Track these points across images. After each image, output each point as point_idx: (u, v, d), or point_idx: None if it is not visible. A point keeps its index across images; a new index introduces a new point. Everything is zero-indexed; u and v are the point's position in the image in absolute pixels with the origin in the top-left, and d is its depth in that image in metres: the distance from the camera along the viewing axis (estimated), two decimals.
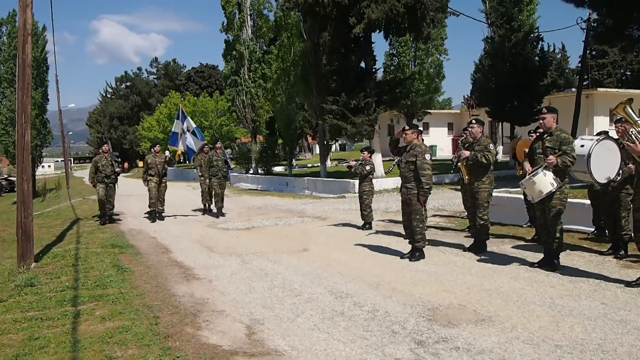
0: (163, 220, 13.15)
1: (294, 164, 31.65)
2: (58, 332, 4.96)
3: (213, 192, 14.02)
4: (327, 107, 20.52)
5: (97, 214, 13.66)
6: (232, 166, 14.47)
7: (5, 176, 37.66)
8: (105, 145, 13.25)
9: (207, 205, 14.62)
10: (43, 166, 56.51)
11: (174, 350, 4.36)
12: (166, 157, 13.40)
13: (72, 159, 72.04)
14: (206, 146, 14.32)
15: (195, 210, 15.15)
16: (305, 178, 21.85)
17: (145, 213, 14.02)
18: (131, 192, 21.21)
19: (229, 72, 32.72)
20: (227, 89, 34.02)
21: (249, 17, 32.03)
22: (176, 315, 5.34)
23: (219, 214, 13.70)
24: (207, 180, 14.19)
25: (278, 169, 32.35)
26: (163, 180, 13.41)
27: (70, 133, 71.19)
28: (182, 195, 20.83)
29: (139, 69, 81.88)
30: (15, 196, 29.27)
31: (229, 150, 14.80)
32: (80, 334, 4.88)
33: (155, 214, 13.20)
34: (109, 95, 78.04)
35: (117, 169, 12.88)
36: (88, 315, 5.44)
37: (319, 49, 21.53)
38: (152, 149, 13.88)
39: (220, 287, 6.47)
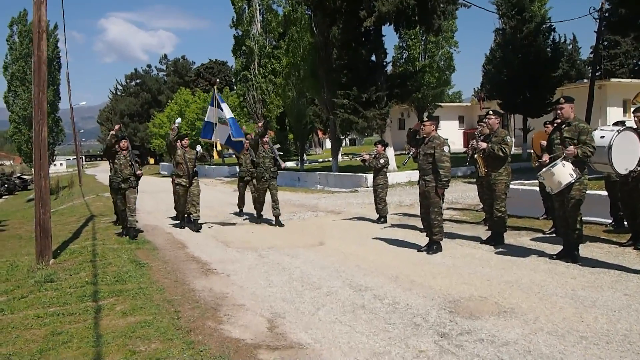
0: (200, 229, 10.62)
1: (305, 159, 31.65)
2: (80, 327, 4.99)
3: (255, 197, 11.65)
4: (338, 101, 20.46)
5: (115, 221, 12.02)
6: (283, 165, 11.60)
7: (19, 174, 37.91)
8: (124, 141, 10.15)
9: (241, 208, 12.93)
10: (55, 164, 56.87)
11: (197, 344, 4.37)
12: (197, 152, 10.94)
13: (83, 157, 72.43)
14: (246, 141, 11.73)
15: (235, 214, 13.02)
16: (317, 173, 21.82)
17: (171, 219, 12.40)
18: (143, 189, 21.27)
19: (239, 67, 32.73)
20: (238, 85, 34.02)
21: (258, 12, 32.02)
22: (197, 310, 5.36)
23: (278, 223, 10.96)
24: (248, 184, 12.39)
25: (289, 164, 32.34)
26: (194, 181, 10.85)
27: (82, 131, 71.64)
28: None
29: (149, 66, 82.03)
30: (28, 194, 29.47)
31: (278, 146, 11.44)
32: (102, 328, 4.91)
33: (183, 218, 11.26)
34: (119, 93, 78.36)
35: (138, 172, 9.98)
36: (109, 311, 5.47)
37: (329, 43, 21.42)
38: (179, 142, 11.27)
39: (239, 281, 6.48)
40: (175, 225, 11.54)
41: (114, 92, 79.23)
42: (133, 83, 77.69)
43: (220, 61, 70.38)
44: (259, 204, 11.46)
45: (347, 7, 19.49)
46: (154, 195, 18.37)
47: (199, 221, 10.83)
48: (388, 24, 20.37)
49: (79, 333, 4.82)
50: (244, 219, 12.21)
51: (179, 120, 11.51)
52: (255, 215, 11.72)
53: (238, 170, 12.88)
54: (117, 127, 10.44)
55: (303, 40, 25.09)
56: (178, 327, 4.81)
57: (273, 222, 11.04)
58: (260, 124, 11.54)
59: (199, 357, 4.10)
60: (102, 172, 51.05)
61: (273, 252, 8.17)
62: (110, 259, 8.11)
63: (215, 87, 11.43)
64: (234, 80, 37.84)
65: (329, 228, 10.18)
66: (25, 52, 32.16)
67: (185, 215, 11.17)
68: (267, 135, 11.45)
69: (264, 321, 4.94)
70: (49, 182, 8.47)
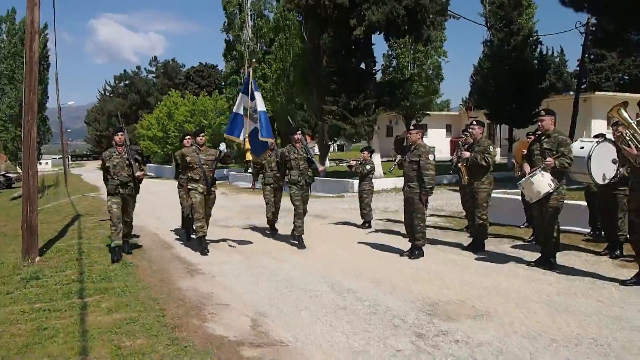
0: (207, 250, 8.37)
1: None
2: (66, 323, 5.08)
3: (273, 208, 10.00)
4: (327, 107, 20.63)
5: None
6: (321, 168, 9.46)
7: (3, 172, 37.63)
8: (121, 134, 8.12)
9: (273, 223, 10.31)
10: (41, 163, 56.49)
11: (181, 340, 4.49)
12: (220, 152, 8.56)
13: (69, 156, 71.97)
14: (272, 142, 9.19)
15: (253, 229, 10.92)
16: None
17: (186, 238, 9.73)
18: None
19: (229, 71, 32.84)
20: (228, 88, 34.11)
21: (249, 17, 32.14)
22: (182, 308, 5.47)
23: (300, 243, 8.86)
24: (273, 192, 9.96)
25: None
26: (213, 190, 8.59)
27: (69, 130, 71.08)
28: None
29: (138, 67, 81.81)
30: (12, 192, 29.17)
31: (313, 144, 8.71)
32: (88, 324, 5.01)
33: (205, 241, 8.50)
34: (107, 94, 78.06)
35: (138, 173, 8.10)
36: (95, 307, 5.56)
37: (320, 50, 21.63)
38: (186, 139, 9.50)
39: (224, 282, 6.59)
40: (187, 246, 9.15)
41: (103, 92, 78.90)
42: (122, 84, 77.42)
43: (210, 64, 70.40)
44: (298, 217, 8.92)
45: (338, 15, 19.67)
46: (139, 197, 18.37)
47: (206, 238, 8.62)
48: (378, 32, 20.62)
49: (65, 328, 4.91)
50: (276, 238, 9.87)
51: (222, 146, 8.64)
52: (292, 235, 9.24)
53: (261, 176, 10.21)
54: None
55: (293, 46, 25.29)
56: (163, 324, 4.92)
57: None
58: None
59: (183, 353, 4.22)
60: (88, 172, 50.80)
61: (259, 254, 8.28)
62: (96, 257, 8.17)
63: (251, 68, 9.13)
64: (223, 84, 37.92)
65: (315, 232, 10.30)
66: (14, 51, 32.10)
67: (204, 233, 8.47)
68: (299, 131, 9.12)
69: (248, 320, 5.06)
70: (36, 181, 8.52)
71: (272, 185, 10.00)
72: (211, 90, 52.51)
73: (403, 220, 8.01)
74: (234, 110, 9.06)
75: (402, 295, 5.74)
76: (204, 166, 8.42)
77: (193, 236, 9.03)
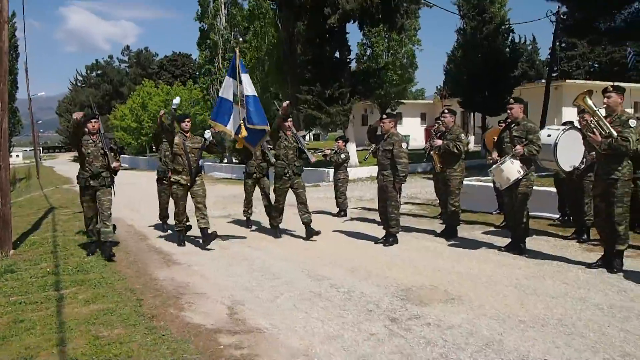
0: (209, 245, 7.95)
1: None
2: (43, 315, 5.08)
3: (266, 203, 9.49)
4: (301, 97, 20.67)
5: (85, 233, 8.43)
6: (313, 159, 9.21)
7: None
8: (95, 121, 7.52)
9: (249, 217, 9.97)
10: (12, 155, 55.52)
11: (159, 329, 4.54)
12: (205, 140, 8.05)
13: (41, 149, 70.77)
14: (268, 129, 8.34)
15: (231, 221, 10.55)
16: None
17: (154, 228, 10.06)
18: None
19: (203, 60, 32.59)
20: (202, 78, 33.86)
21: (223, 5, 31.88)
22: (159, 298, 5.52)
23: (309, 232, 8.46)
24: (257, 182, 9.58)
25: None
26: (197, 179, 8.03)
27: (40, 122, 69.82)
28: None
29: (110, 57, 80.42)
30: None
31: (304, 133, 8.37)
32: (65, 316, 5.02)
33: (182, 230, 8.32)
34: (79, 84, 76.80)
35: (115, 164, 7.51)
36: (71, 299, 5.57)
37: (294, 38, 21.63)
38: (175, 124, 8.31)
39: (201, 271, 6.65)
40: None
41: (74, 82, 77.61)
42: (94, 74, 76.22)
43: (184, 54, 69.60)
44: (276, 210, 8.71)
45: (312, 3, 19.69)
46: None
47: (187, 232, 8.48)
48: (352, 21, 20.70)
49: (42, 320, 4.92)
50: (252, 229, 9.72)
51: (177, 99, 8.36)
52: (270, 224, 8.99)
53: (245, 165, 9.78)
54: (78, 114, 7.28)
55: (267, 35, 25.20)
56: (140, 314, 4.97)
57: (301, 234, 8.60)
58: (285, 104, 8.32)
59: (161, 341, 4.28)
60: (60, 164, 50.10)
61: (235, 244, 8.35)
62: (71, 250, 8.15)
63: (237, 49, 8.27)
64: (197, 73, 37.60)
65: (291, 221, 10.34)
66: None
67: (182, 227, 8.29)
68: (290, 119, 8.56)
69: (225, 308, 5.14)
70: (8, 174, 8.44)
71: (255, 176, 9.55)
72: (185, 80, 52.14)
73: (377, 208, 8.14)
74: (219, 95, 8.36)
75: (376, 282, 5.86)
76: (189, 154, 7.88)
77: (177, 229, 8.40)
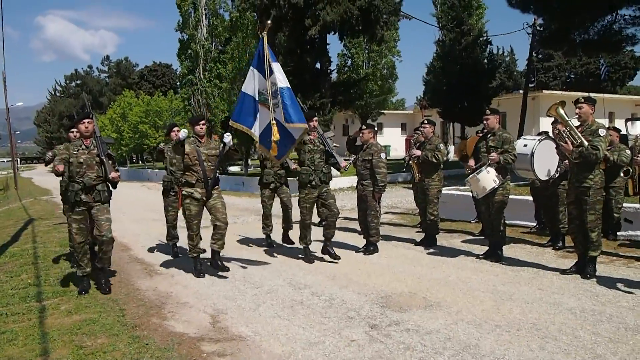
0: (225, 269, 6.81)
1: (250, 164, 31.78)
2: (25, 326, 5.09)
3: (287, 215, 8.65)
4: None
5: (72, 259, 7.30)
6: (344, 164, 7.76)
7: None
8: (88, 121, 6.07)
9: (269, 234, 8.89)
10: None
11: (142, 338, 4.59)
12: (225, 145, 6.65)
13: (18, 159, 69.88)
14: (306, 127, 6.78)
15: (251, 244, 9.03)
16: None
17: (152, 250, 8.90)
18: None
19: (184, 71, 32.59)
20: (183, 88, 33.83)
21: (204, 16, 31.96)
22: (142, 308, 5.55)
23: (327, 253, 7.38)
24: (276, 193, 8.67)
25: (234, 168, 32.39)
26: (214, 191, 6.76)
27: (18, 132, 69.08)
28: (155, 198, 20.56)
29: (90, 67, 79.85)
30: None
31: (332, 134, 7.30)
32: (47, 327, 5.04)
33: (197, 254, 6.90)
34: (58, 94, 76.13)
35: (113, 174, 6.06)
36: (54, 310, 5.58)
37: (275, 49, 21.78)
38: (174, 131, 7.57)
39: (183, 281, 6.68)
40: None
41: (53, 92, 76.92)
42: (73, 84, 75.66)
43: (164, 64, 69.46)
44: (304, 228, 7.42)
45: (292, 15, 19.88)
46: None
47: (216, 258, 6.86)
48: (333, 32, 20.92)
49: (24, 331, 4.93)
50: (273, 251, 8.36)
51: (184, 133, 6.41)
52: (301, 242, 7.52)
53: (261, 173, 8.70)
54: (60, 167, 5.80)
55: (249, 46, 25.33)
56: (123, 323, 5.00)
57: (326, 257, 7.43)
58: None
59: (144, 350, 4.33)
60: (39, 174, 49.51)
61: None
62: (52, 261, 8.12)
63: (265, 32, 6.61)
64: (178, 83, 37.60)
65: (273, 231, 10.45)
66: None
67: (198, 252, 6.88)
68: (315, 118, 7.46)
69: (207, 317, 5.19)
70: None
71: (272, 186, 8.54)
72: (166, 90, 51.94)
73: (357, 217, 8.25)
74: (242, 90, 7.00)
75: (357, 289, 5.97)
76: (204, 163, 6.62)
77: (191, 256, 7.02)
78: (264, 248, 8.73)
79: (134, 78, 69.83)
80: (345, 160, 7.98)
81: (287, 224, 8.71)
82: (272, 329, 4.76)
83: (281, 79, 6.58)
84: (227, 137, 6.64)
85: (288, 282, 6.41)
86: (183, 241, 7.54)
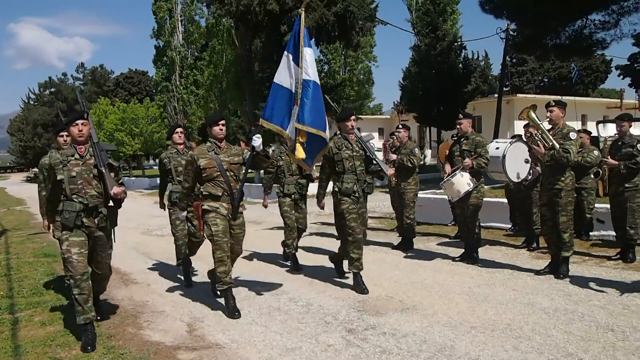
0: (238, 313, 5.34)
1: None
2: None
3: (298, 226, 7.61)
4: (260, 113, 20.79)
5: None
6: (389, 171, 6.87)
7: None
8: (82, 122, 4.90)
9: (294, 252, 7.56)
10: None
11: (117, 348, 4.55)
12: (254, 149, 5.35)
13: None
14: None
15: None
16: None
17: (185, 284, 6.90)
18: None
19: (160, 78, 32.41)
20: (159, 95, 33.64)
21: (179, 23, 31.86)
22: (117, 317, 5.50)
23: (358, 285, 6.07)
24: (296, 205, 7.61)
25: None
26: (240, 217, 5.57)
27: None
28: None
29: (64, 74, 78.69)
30: None
31: (372, 137, 6.35)
32: (20, 339, 4.95)
33: (232, 295, 5.51)
34: (31, 102, 74.95)
35: (116, 189, 4.78)
36: (27, 322, 5.48)
37: (252, 55, 21.82)
38: (177, 133, 6.87)
39: (159, 289, 6.64)
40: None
41: (27, 100, 75.68)
42: (47, 92, 74.54)
43: (140, 71, 68.91)
44: (356, 246, 6.17)
45: (268, 21, 19.93)
46: None
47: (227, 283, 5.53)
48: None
49: None
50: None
51: (259, 140, 5.34)
52: (354, 269, 6.13)
53: (276, 185, 7.81)
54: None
55: (226, 52, 25.29)
56: (99, 333, 4.92)
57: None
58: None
59: None
60: (12, 184, 48.63)
61: (194, 261, 8.30)
62: (26, 272, 7.98)
63: (302, 11, 5.94)
64: (154, 90, 37.35)
65: (250, 237, 10.36)
66: None
67: (229, 284, 5.49)
68: (353, 117, 6.20)
69: (184, 325, 5.16)
70: None
71: (293, 196, 7.56)
72: (142, 98, 51.55)
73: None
74: (274, 80, 5.90)
75: (334, 294, 5.99)
76: (227, 173, 5.41)
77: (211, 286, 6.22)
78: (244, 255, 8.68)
79: (109, 85, 69.12)
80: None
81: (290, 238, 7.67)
82: (249, 335, 4.75)
83: (309, 71, 5.67)
84: (257, 140, 5.32)
85: (265, 288, 6.40)
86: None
